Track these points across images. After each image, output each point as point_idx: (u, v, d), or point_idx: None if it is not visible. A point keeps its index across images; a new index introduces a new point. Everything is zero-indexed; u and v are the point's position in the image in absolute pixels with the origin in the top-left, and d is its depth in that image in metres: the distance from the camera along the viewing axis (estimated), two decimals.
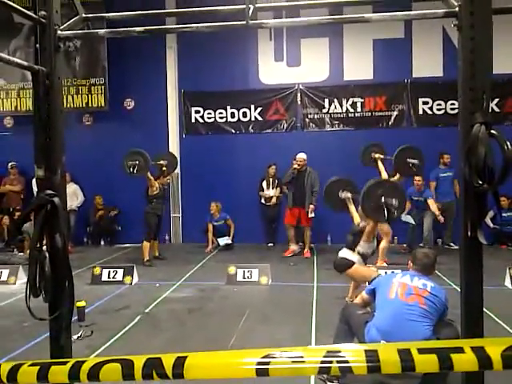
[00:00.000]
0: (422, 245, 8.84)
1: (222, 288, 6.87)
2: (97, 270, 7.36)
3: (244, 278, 7.06)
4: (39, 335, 4.66)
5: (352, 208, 5.90)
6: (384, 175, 6.96)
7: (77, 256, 9.11)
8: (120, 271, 7.35)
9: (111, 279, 7.26)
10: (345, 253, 5.54)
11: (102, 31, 3.01)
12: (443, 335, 3.36)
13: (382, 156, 7.52)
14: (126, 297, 6.60)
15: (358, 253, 5.49)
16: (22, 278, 7.30)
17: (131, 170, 8.06)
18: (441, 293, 3.48)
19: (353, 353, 1.72)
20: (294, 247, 9.41)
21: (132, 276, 7.30)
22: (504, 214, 9.32)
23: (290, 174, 9.22)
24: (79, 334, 4.91)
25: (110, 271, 7.35)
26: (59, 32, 2.79)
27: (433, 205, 8.88)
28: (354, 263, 5.37)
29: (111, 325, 5.36)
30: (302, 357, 1.72)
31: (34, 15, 2.73)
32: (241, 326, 5.21)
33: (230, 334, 4.93)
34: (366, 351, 1.70)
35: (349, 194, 5.93)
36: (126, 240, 10.71)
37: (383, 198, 4.91)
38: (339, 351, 1.71)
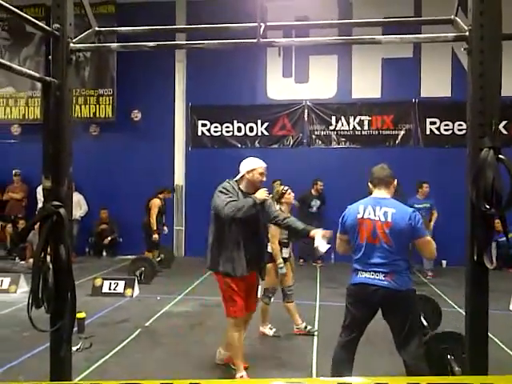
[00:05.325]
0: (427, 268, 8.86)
1: None
2: (98, 282, 7.33)
3: None
4: (38, 346, 4.61)
5: None
6: None
7: (78, 266, 9.07)
8: (121, 283, 7.31)
9: (112, 291, 7.23)
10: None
11: (114, 45, 3.03)
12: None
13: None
14: (126, 309, 6.56)
15: None
16: (23, 287, 7.27)
17: (140, 277, 8.17)
18: (403, 219, 3.43)
19: None
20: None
21: (133, 288, 7.27)
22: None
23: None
24: (78, 346, 4.87)
25: (110, 283, 7.31)
26: (72, 45, 2.81)
27: (434, 215, 8.86)
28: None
29: (111, 337, 5.32)
30: None
31: (47, 28, 2.75)
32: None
33: None
34: None
35: None
36: (128, 251, 10.68)
37: None
38: None
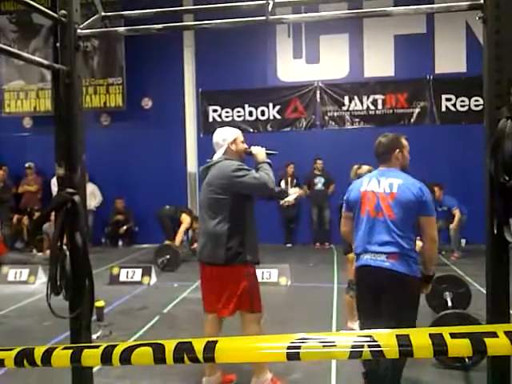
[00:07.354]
0: (452, 248, 8.72)
1: None
2: (115, 270, 7.39)
3: (263, 278, 6.97)
4: (59, 334, 4.67)
5: None
6: None
7: (95, 256, 9.00)
8: (138, 271, 7.37)
9: (129, 279, 7.29)
10: None
11: (121, 29, 3.00)
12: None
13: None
14: (144, 297, 6.62)
15: None
16: (42, 278, 7.37)
17: (161, 266, 8.22)
18: (410, 190, 3.06)
19: (384, 337, 1.71)
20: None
21: (150, 276, 7.32)
22: None
23: None
24: (98, 334, 4.93)
25: (128, 271, 7.38)
26: (79, 31, 2.79)
27: (457, 216, 8.50)
28: None
29: (130, 325, 5.37)
30: (333, 341, 1.74)
31: (54, 14, 2.73)
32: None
33: None
34: (397, 336, 1.70)
35: None
36: (144, 240, 10.76)
37: None
38: (370, 336, 1.71)
